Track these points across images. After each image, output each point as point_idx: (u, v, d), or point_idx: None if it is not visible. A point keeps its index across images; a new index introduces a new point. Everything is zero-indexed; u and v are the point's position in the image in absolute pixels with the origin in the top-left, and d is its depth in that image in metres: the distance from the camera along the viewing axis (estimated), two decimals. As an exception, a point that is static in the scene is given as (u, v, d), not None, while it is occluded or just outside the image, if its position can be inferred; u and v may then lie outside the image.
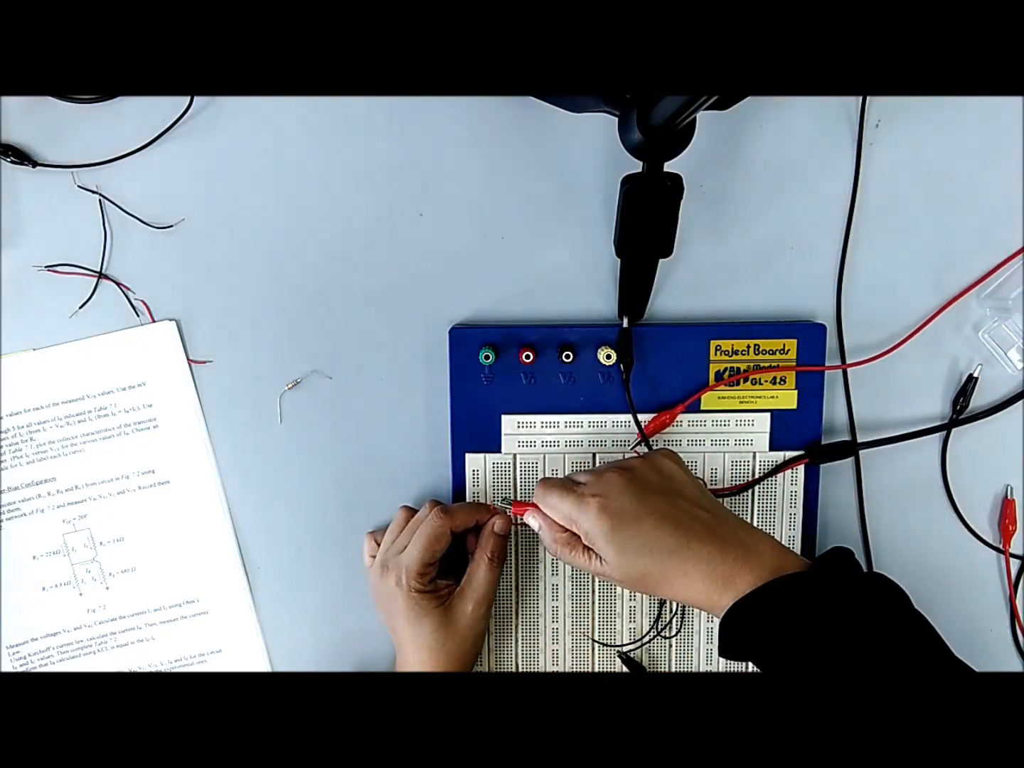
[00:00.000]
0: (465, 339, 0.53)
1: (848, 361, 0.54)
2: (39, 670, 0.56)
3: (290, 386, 0.55)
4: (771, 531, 0.54)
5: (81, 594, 0.56)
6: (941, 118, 0.53)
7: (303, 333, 0.54)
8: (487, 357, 0.52)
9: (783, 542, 0.53)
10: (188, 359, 0.54)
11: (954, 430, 0.55)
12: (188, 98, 0.52)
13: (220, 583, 0.56)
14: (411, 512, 0.53)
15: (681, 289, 0.54)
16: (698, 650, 0.55)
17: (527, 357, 0.51)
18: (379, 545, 0.54)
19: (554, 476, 0.48)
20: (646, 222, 0.47)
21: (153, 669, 0.57)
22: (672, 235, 0.48)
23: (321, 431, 0.55)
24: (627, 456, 0.53)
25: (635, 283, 0.52)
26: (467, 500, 0.54)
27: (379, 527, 0.56)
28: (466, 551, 0.53)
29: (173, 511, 0.55)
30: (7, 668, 0.56)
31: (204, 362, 0.55)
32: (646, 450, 0.53)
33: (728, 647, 0.43)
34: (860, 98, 0.53)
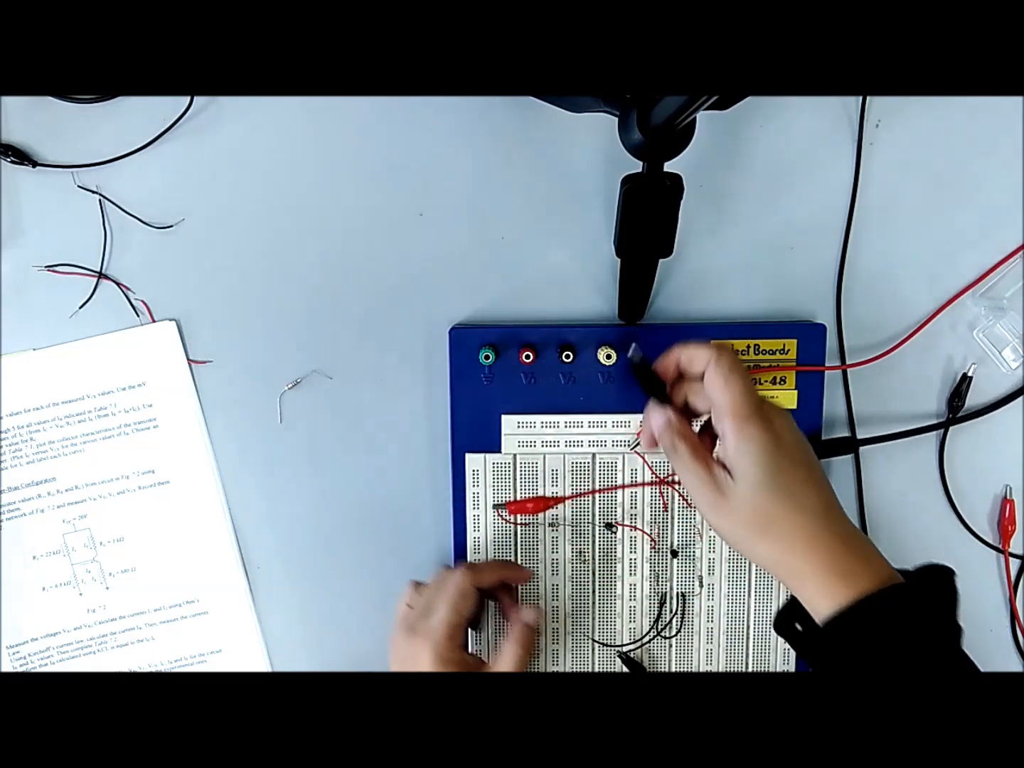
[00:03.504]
0: (465, 339, 0.53)
1: (848, 361, 0.54)
2: (39, 670, 0.56)
3: (290, 386, 0.55)
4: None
5: (81, 594, 0.56)
6: (941, 118, 0.53)
7: (303, 333, 0.54)
8: (487, 357, 0.52)
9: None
10: (188, 359, 0.54)
11: (952, 430, 0.55)
12: (188, 98, 0.52)
13: (220, 583, 0.56)
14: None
15: (681, 289, 0.54)
16: (698, 650, 0.55)
17: (527, 357, 0.51)
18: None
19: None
20: (646, 222, 0.47)
21: (153, 669, 0.57)
22: (672, 235, 0.48)
23: (321, 431, 0.55)
24: (632, 445, 0.53)
25: (635, 283, 0.52)
26: (468, 504, 0.54)
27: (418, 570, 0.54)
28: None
29: (173, 511, 0.55)
30: (7, 668, 0.56)
31: (204, 362, 0.55)
32: (642, 449, 0.53)
33: (831, 646, 0.40)
34: (860, 98, 0.53)
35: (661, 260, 0.50)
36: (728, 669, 0.55)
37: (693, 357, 0.43)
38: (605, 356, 0.52)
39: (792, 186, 0.53)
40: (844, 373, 0.54)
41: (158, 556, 0.56)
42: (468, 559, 0.54)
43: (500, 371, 0.53)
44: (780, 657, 0.55)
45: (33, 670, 0.56)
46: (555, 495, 0.54)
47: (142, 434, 0.55)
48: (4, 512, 0.55)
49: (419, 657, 0.47)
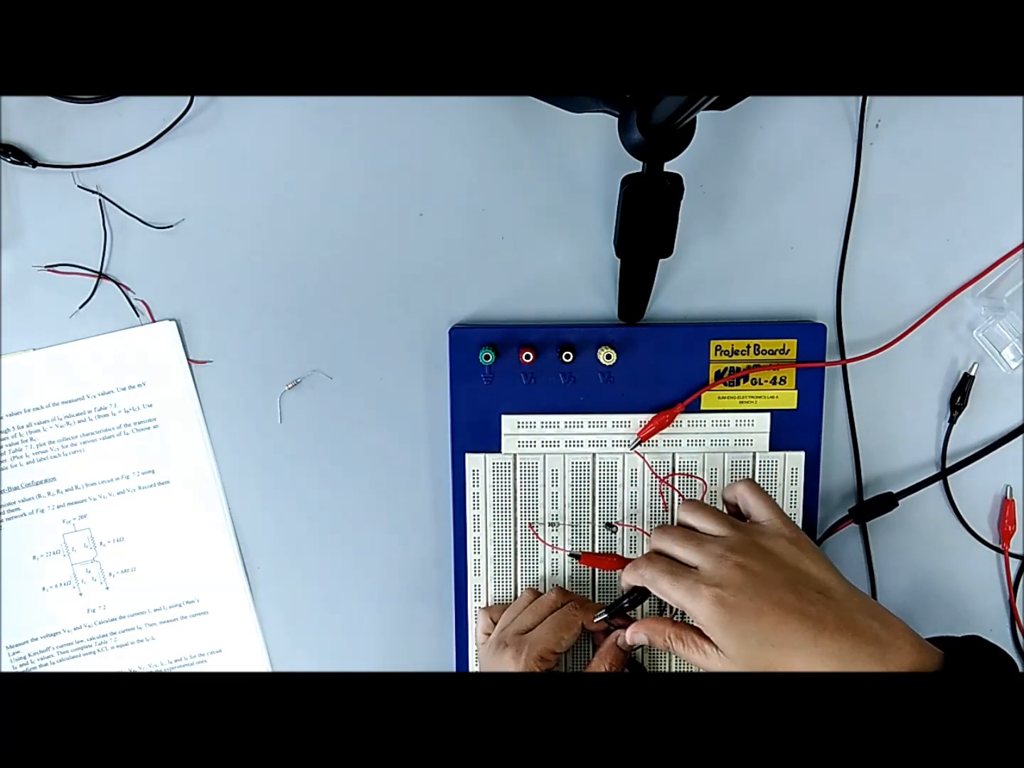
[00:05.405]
0: (465, 339, 0.53)
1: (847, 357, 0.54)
2: (39, 670, 0.56)
3: (290, 386, 0.55)
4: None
5: (81, 594, 0.56)
6: (941, 118, 0.53)
7: (303, 333, 0.54)
8: (487, 357, 0.52)
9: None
10: (188, 359, 0.54)
11: (954, 429, 0.55)
12: (188, 98, 0.52)
13: (220, 583, 0.56)
14: (536, 594, 0.53)
15: (681, 289, 0.54)
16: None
17: (527, 357, 0.51)
18: (495, 623, 0.53)
19: (661, 556, 0.46)
20: (646, 222, 0.47)
21: (153, 669, 0.57)
22: (672, 235, 0.48)
23: (321, 431, 0.55)
24: (632, 444, 0.53)
25: (635, 283, 0.52)
26: (468, 503, 0.54)
27: (497, 603, 0.54)
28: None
29: (173, 511, 0.55)
30: (7, 668, 0.56)
31: (204, 362, 0.55)
32: (639, 446, 0.53)
33: None
34: (860, 98, 0.53)
35: (661, 260, 0.50)
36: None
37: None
38: (605, 356, 0.52)
39: (792, 186, 0.53)
40: (844, 371, 0.54)
41: (158, 556, 0.56)
42: (468, 560, 0.54)
43: (500, 371, 0.53)
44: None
45: (33, 670, 0.56)
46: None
47: (142, 434, 0.55)
48: (4, 512, 0.55)
49: (507, 667, 0.48)
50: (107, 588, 0.56)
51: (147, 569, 0.56)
